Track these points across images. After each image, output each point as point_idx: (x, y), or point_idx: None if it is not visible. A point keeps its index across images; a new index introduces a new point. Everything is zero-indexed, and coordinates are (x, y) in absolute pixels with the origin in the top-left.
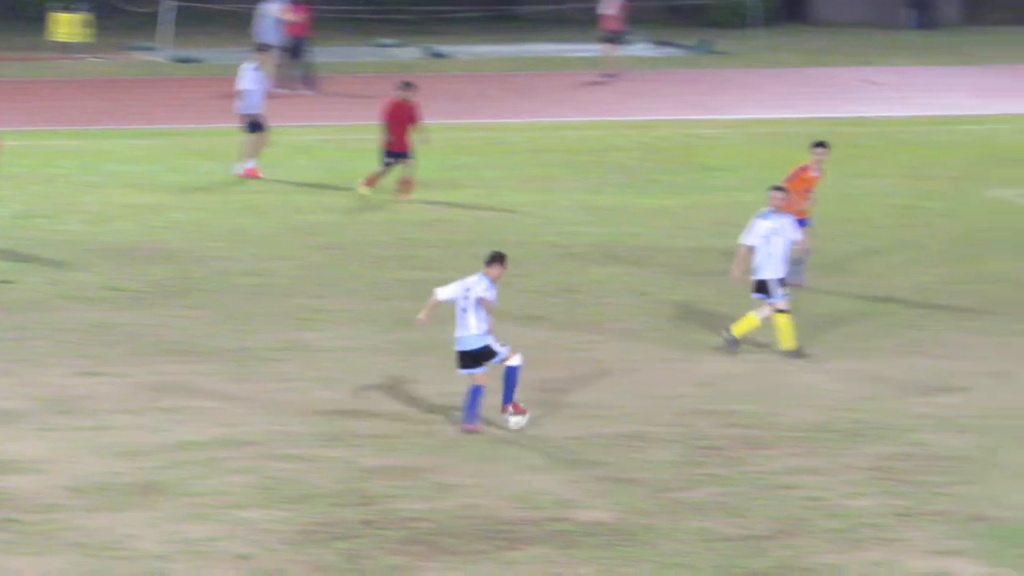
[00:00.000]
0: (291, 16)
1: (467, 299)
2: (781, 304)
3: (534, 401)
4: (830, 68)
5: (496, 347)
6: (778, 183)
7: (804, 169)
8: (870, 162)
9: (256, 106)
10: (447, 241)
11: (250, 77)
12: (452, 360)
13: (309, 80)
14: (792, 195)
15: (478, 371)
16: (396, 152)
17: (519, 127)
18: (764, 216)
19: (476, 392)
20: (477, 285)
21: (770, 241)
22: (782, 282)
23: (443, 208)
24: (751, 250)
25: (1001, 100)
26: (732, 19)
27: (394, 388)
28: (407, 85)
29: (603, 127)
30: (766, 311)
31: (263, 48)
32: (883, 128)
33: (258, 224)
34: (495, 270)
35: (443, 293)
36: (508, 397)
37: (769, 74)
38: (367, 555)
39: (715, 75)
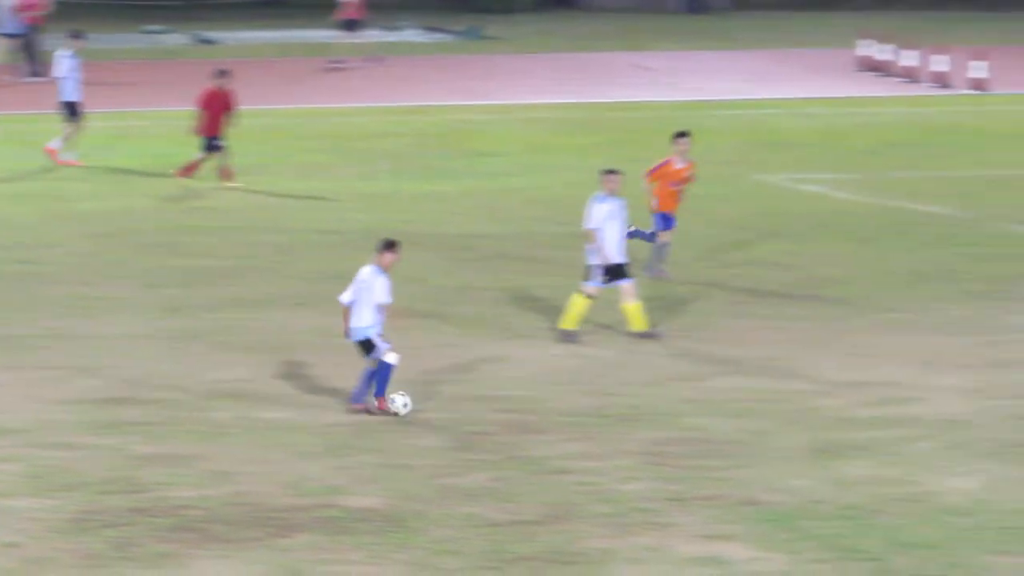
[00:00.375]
0: (27, 6)
1: (361, 291)
2: (588, 289)
3: (305, 388)
4: (601, 53)
5: (377, 342)
6: (610, 167)
7: (667, 163)
8: (642, 148)
9: (72, 93)
10: (217, 228)
11: (65, 65)
12: (223, 347)
13: (38, 69)
14: (658, 190)
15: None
16: (215, 137)
17: (288, 113)
18: (600, 200)
19: (384, 369)
20: (374, 280)
21: (606, 225)
22: (615, 270)
23: (213, 195)
24: (599, 233)
25: (769, 85)
26: (500, 5)
27: (165, 375)
28: (222, 73)
29: (374, 113)
30: (629, 286)
31: (77, 35)
32: (654, 113)
33: (26, 211)
34: (387, 257)
35: (346, 297)
36: (380, 390)
37: (539, 59)
38: (136, 543)
39: (485, 61)
